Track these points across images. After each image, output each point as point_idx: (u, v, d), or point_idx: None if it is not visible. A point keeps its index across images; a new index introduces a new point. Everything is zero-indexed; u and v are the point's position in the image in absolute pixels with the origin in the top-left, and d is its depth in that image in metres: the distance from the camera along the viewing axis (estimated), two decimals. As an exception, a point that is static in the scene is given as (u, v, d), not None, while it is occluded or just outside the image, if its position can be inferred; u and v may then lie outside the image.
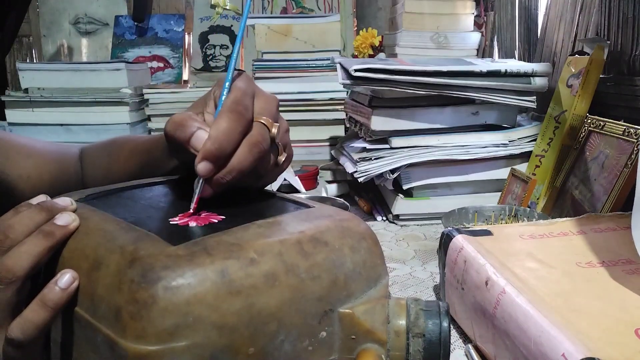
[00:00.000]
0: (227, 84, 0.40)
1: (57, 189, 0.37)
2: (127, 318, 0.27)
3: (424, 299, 0.35)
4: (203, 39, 1.79)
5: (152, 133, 1.41)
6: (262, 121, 0.39)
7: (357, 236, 0.35)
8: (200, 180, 0.37)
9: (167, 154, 0.48)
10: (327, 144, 1.29)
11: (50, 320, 0.31)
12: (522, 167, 0.87)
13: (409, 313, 0.34)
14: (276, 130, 0.40)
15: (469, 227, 0.57)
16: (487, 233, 0.55)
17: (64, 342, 0.32)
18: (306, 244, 0.32)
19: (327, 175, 1.15)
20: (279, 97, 1.49)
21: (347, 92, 1.22)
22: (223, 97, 0.39)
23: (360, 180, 0.87)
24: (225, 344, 0.28)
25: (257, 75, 1.31)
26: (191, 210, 0.36)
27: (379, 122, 0.88)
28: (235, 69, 0.42)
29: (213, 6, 1.77)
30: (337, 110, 1.28)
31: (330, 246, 0.33)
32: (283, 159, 0.43)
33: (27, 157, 0.56)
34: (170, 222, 0.35)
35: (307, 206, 0.39)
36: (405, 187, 0.87)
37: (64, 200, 0.36)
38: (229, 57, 1.80)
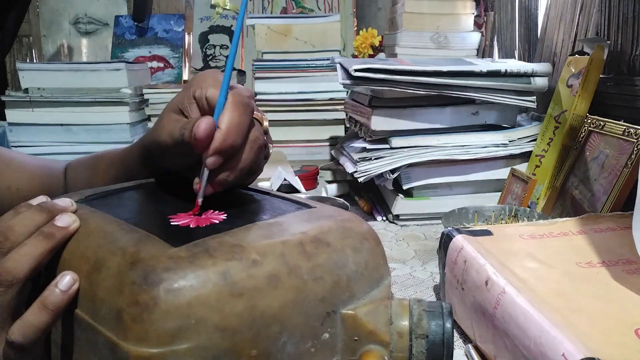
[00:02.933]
0: (225, 82, 0.38)
1: None
2: (129, 320, 0.27)
3: (426, 300, 0.35)
4: (203, 39, 1.79)
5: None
6: (255, 116, 0.39)
7: (359, 237, 0.35)
8: (205, 173, 0.37)
9: (141, 163, 0.48)
10: (327, 144, 1.29)
11: (51, 322, 0.31)
12: (522, 167, 0.87)
13: (412, 314, 0.34)
14: (267, 123, 0.40)
15: (469, 227, 0.57)
16: (487, 233, 0.55)
17: (65, 344, 0.32)
18: (308, 245, 0.32)
19: (327, 175, 1.15)
20: (279, 97, 1.49)
21: (347, 92, 1.22)
22: (222, 95, 0.38)
23: (360, 180, 0.87)
24: (228, 346, 0.28)
25: (257, 75, 1.31)
26: (199, 201, 0.36)
27: (379, 122, 0.88)
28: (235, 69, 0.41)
29: (213, 6, 1.77)
30: (337, 110, 1.28)
31: (332, 247, 0.33)
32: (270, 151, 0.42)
33: (17, 170, 0.56)
34: (172, 223, 0.35)
35: (309, 206, 0.39)
36: (405, 187, 0.87)
37: (64, 201, 0.35)
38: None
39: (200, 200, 0.37)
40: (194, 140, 0.36)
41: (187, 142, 0.37)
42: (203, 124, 0.36)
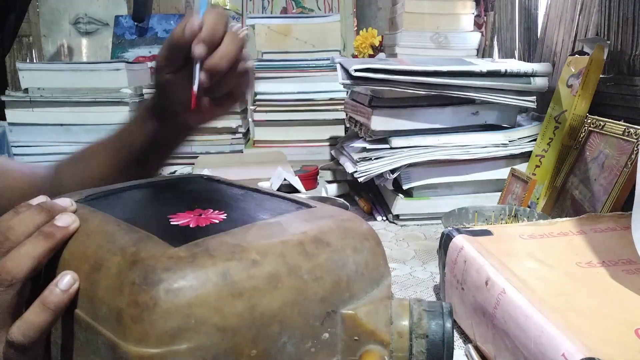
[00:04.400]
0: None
1: None
2: (129, 320, 0.27)
3: (426, 300, 0.35)
4: (203, 39, 1.78)
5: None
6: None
7: (360, 237, 0.35)
8: (197, 64, 0.44)
9: (141, 121, 0.55)
10: (327, 144, 1.29)
11: (52, 322, 0.30)
12: (522, 167, 0.87)
13: (412, 314, 0.34)
14: (244, 35, 0.47)
15: (469, 227, 0.57)
16: (487, 233, 0.55)
17: (65, 344, 0.32)
18: (308, 245, 0.32)
19: (327, 175, 1.15)
20: (279, 97, 1.49)
21: (347, 92, 1.22)
22: (202, 7, 0.47)
23: (360, 180, 0.87)
24: (228, 346, 0.28)
25: (257, 75, 1.31)
26: (194, 88, 0.44)
27: (379, 122, 0.88)
28: None
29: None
30: (337, 110, 1.28)
31: (332, 247, 0.33)
32: (249, 64, 0.50)
33: None
34: (171, 223, 0.35)
35: (309, 206, 0.39)
36: (405, 187, 0.87)
37: (64, 201, 0.35)
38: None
39: (195, 88, 0.44)
40: (182, 33, 0.45)
41: (178, 41, 0.46)
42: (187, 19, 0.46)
